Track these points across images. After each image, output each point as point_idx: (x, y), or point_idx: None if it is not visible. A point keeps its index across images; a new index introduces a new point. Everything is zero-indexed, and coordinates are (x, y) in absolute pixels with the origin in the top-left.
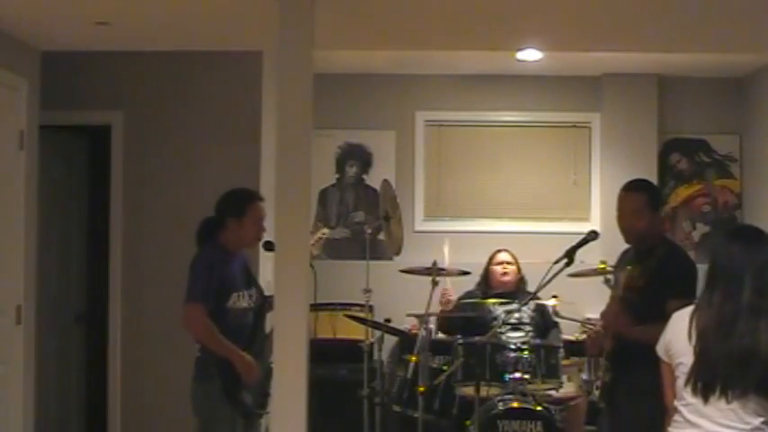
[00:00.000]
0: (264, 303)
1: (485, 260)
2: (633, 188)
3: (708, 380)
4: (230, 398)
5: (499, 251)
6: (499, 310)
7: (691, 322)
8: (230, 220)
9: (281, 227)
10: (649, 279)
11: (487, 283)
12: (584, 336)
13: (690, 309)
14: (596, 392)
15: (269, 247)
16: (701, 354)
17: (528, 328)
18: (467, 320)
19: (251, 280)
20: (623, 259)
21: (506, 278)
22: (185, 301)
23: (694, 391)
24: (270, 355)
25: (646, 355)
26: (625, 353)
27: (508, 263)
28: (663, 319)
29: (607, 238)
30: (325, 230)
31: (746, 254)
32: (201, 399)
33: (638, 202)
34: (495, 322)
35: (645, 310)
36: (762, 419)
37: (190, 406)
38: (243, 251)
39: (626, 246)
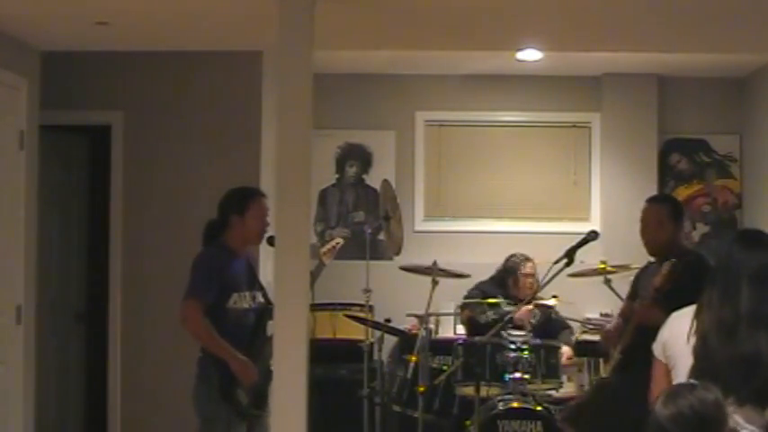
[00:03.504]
0: (268, 307)
1: (484, 260)
2: (656, 200)
3: (711, 382)
4: (226, 397)
5: (527, 260)
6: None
7: (692, 323)
8: (233, 218)
9: (281, 227)
10: (676, 283)
11: (507, 287)
12: (584, 336)
13: (690, 309)
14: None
15: (272, 242)
16: (703, 356)
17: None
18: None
19: (254, 281)
20: (646, 270)
21: (529, 291)
22: (184, 298)
23: None
24: (270, 357)
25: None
26: (641, 352)
27: (533, 276)
28: None
29: (607, 238)
30: (340, 240)
31: (744, 256)
32: (201, 398)
33: (661, 214)
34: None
35: (670, 311)
36: (756, 425)
37: (192, 405)
38: (248, 251)
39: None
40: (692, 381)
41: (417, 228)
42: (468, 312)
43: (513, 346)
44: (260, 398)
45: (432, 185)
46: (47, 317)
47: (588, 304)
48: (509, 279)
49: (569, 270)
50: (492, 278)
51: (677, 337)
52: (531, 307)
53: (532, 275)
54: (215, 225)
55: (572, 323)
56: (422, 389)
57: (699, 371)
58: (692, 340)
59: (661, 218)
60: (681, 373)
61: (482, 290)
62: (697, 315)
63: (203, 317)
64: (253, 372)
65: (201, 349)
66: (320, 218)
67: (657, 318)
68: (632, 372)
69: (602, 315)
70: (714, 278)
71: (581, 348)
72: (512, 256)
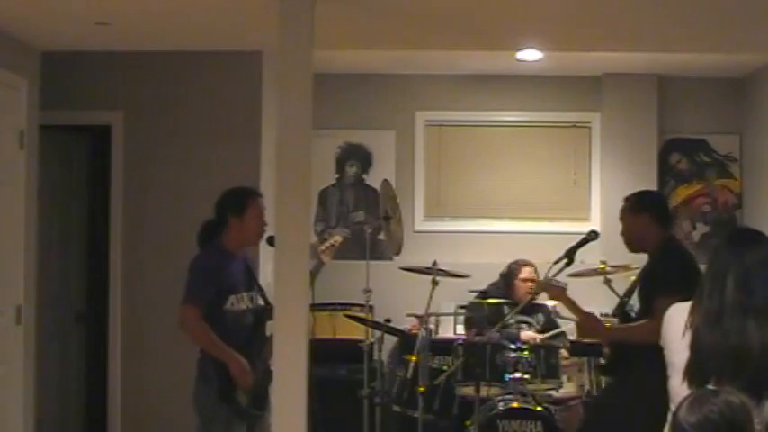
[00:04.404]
0: (266, 308)
1: (484, 260)
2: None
3: (703, 375)
4: (225, 398)
5: (526, 264)
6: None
7: (687, 319)
8: (232, 219)
9: (281, 227)
10: (640, 280)
11: (507, 292)
12: None
13: (686, 304)
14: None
15: (272, 242)
16: (695, 348)
17: (532, 327)
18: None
19: (252, 282)
20: None
21: (528, 296)
22: (182, 303)
23: (690, 386)
24: (270, 357)
25: (643, 356)
26: (623, 358)
27: (533, 281)
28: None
29: (607, 238)
30: (339, 237)
31: (731, 256)
32: (201, 399)
33: (621, 212)
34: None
35: (639, 310)
36: (758, 419)
37: (191, 406)
38: (245, 252)
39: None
40: (711, 387)
41: (417, 228)
42: (474, 332)
43: (513, 346)
44: (260, 398)
45: (432, 185)
46: (47, 317)
47: (588, 304)
48: (509, 284)
49: (569, 270)
50: (494, 283)
51: (674, 332)
52: (537, 336)
53: (532, 280)
54: (211, 226)
55: (572, 323)
56: (422, 389)
57: (692, 362)
58: (687, 335)
59: (620, 215)
60: (677, 370)
61: (485, 294)
62: (690, 312)
63: (201, 321)
64: (249, 375)
65: (201, 350)
66: (320, 218)
67: (600, 328)
68: (616, 375)
69: (602, 315)
70: (704, 278)
71: (580, 349)
72: (513, 261)
